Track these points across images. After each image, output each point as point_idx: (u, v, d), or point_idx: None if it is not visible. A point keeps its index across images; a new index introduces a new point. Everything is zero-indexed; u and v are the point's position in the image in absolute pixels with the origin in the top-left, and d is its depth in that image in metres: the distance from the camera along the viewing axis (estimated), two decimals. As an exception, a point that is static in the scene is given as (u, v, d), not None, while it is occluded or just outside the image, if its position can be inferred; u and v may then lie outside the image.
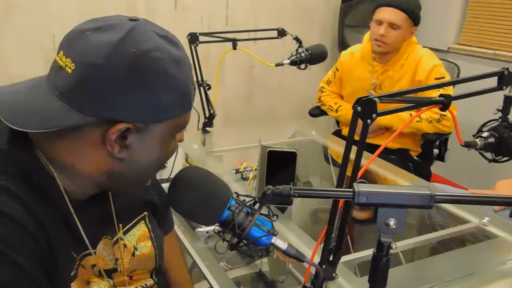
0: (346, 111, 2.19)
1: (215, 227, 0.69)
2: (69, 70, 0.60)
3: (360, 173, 0.85)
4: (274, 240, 0.69)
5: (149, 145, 0.66)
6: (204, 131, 1.64)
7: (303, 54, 1.77)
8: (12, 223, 0.58)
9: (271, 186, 0.68)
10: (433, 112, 1.94)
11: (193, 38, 1.56)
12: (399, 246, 1.11)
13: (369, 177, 1.51)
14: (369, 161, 0.81)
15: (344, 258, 1.03)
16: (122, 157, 0.65)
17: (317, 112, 2.41)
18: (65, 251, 0.67)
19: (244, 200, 0.70)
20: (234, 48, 1.65)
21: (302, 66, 1.79)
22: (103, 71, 0.60)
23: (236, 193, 0.71)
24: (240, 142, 1.72)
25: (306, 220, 1.65)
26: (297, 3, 3.03)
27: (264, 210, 0.69)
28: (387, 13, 1.96)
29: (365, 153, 0.79)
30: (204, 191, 0.68)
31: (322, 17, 3.17)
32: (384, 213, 0.65)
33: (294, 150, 1.17)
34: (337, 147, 1.82)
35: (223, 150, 1.62)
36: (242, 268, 1.34)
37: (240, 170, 1.42)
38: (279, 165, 1.19)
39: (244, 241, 0.68)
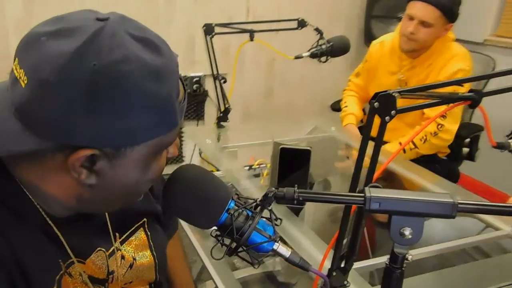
0: (345, 113, 2.05)
1: (212, 231, 0.64)
2: (23, 84, 0.51)
3: (375, 176, 0.79)
4: (276, 246, 0.64)
5: (124, 170, 0.56)
6: (219, 125, 1.59)
7: (324, 46, 1.69)
8: None
9: (273, 188, 0.62)
10: (431, 125, 1.79)
11: (209, 29, 1.51)
12: (419, 253, 1.04)
13: (389, 178, 1.43)
14: (384, 166, 0.75)
15: (358, 264, 0.96)
16: (91, 183, 0.56)
17: (339, 106, 2.31)
18: (45, 262, 0.62)
19: (245, 202, 0.65)
20: (252, 39, 1.59)
21: (323, 58, 1.71)
22: (56, 90, 0.49)
23: (237, 194, 0.66)
24: (256, 138, 1.67)
25: (322, 221, 1.59)
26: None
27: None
28: (419, 9, 1.78)
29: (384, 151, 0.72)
30: (200, 192, 0.63)
31: (348, 8, 3.06)
32: (399, 221, 0.59)
33: (308, 148, 1.10)
34: (358, 145, 1.74)
35: (238, 145, 1.57)
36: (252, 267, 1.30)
37: (253, 167, 1.37)
38: (292, 163, 1.13)
39: (244, 247, 0.62)
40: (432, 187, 1.34)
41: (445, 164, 2.00)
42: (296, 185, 0.61)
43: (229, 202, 0.63)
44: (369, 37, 2.97)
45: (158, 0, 2.43)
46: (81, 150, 0.52)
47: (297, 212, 1.19)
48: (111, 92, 0.50)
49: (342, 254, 0.80)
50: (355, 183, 0.82)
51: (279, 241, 0.64)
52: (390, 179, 1.49)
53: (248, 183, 1.25)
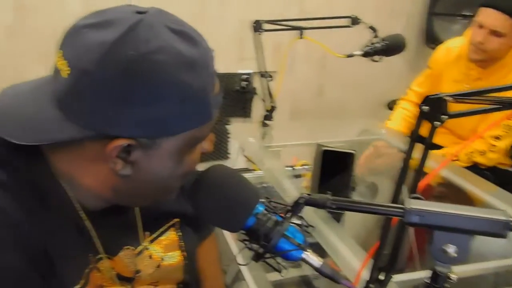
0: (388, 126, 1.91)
1: (239, 235, 0.61)
2: (65, 75, 0.53)
3: (421, 186, 0.74)
4: (306, 255, 0.60)
5: (158, 161, 0.57)
6: (264, 124, 1.57)
7: (377, 45, 1.62)
8: (4, 220, 0.54)
9: (305, 194, 0.59)
10: (482, 143, 1.66)
11: (257, 26, 1.49)
12: (474, 269, 0.96)
13: (438, 187, 1.34)
14: (428, 177, 0.69)
15: (399, 278, 0.90)
16: (126, 173, 0.57)
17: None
18: (75, 254, 0.63)
19: (275, 207, 0.62)
20: (301, 37, 1.55)
21: (376, 57, 1.64)
22: (95, 79, 0.51)
23: (267, 198, 0.63)
24: (302, 138, 1.63)
25: (365, 229, 1.52)
26: (378, -11, 2.82)
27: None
28: (490, 17, 1.60)
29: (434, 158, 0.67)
30: (227, 194, 0.61)
31: (408, 5, 2.92)
32: (442, 237, 0.54)
33: (351, 151, 1.05)
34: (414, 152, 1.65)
35: (282, 145, 1.54)
36: (291, 269, 1.26)
37: (295, 167, 1.33)
38: (335, 166, 1.09)
39: (271, 253, 0.60)
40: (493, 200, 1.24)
41: (504, 173, 1.85)
42: (329, 192, 0.57)
43: (258, 206, 0.60)
44: (430, 36, 2.82)
45: (208, -3, 2.45)
46: (117, 140, 0.53)
47: (338, 217, 1.14)
48: (146, 81, 0.52)
49: (381, 266, 0.75)
50: (398, 192, 0.77)
51: (309, 250, 0.60)
52: (450, 188, 1.40)
53: (289, 184, 1.22)
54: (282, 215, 0.61)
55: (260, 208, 0.61)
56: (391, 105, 2.66)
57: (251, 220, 0.60)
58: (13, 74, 2.22)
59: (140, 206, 0.72)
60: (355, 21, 1.67)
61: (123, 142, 0.54)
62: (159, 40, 0.53)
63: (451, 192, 1.36)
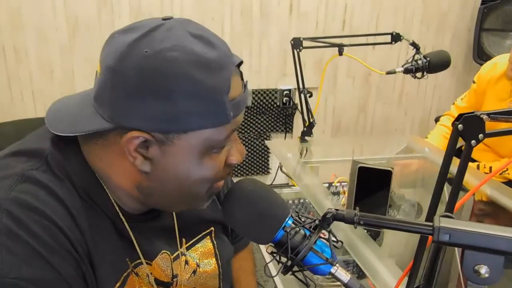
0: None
1: (267, 247, 0.63)
2: (98, 75, 0.59)
3: (457, 206, 0.72)
4: (334, 270, 0.61)
5: (174, 159, 0.59)
6: (303, 140, 1.57)
7: (420, 62, 1.60)
8: (49, 222, 0.58)
9: (333, 209, 0.60)
10: None
11: (297, 43, 1.51)
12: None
13: (479, 205, 1.29)
14: (466, 197, 0.68)
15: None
16: (146, 170, 0.61)
17: None
18: (114, 258, 0.66)
19: (304, 221, 0.63)
20: (340, 54, 1.55)
21: (418, 74, 1.62)
22: (115, 74, 0.56)
23: (296, 212, 0.64)
24: (341, 154, 1.62)
25: (404, 247, 1.48)
26: (428, 5, 2.77)
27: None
28: None
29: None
30: (257, 207, 0.62)
31: (456, 20, 2.86)
32: (473, 257, 0.53)
33: (389, 168, 1.04)
34: (453, 168, 1.60)
35: (320, 161, 1.54)
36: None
37: (333, 184, 1.33)
38: (372, 183, 1.08)
39: (299, 267, 0.61)
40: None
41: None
42: (357, 208, 0.58)
43: (287, 219, 0.62)
44: (479, 52, 2.73)
45: (253, 14, 2.51)
46: (132, 132, 0.57)
47: (375, 235, 1.13)
48: (156, 75, 0.55)
49: (417, 285, 0.74)
50: (433, 209, 0.76)
51: (338, 265, 0.61)
52: (491, 206, 1.34)
53: (326, 201, 1.22)
54: (310, 229, 0.62)
55: (289, 222, 0.62)
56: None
57: (280, 233, 0.61)
58: (66, 87, 2.38)
59: (172, 211, 0.74)
60: (396, 37, 1.66)
61: (137, 134, 0.57)
62: (174, 40, 0.56)
63: (492, 210, 1.31)
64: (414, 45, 1.63)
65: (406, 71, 1.59)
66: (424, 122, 2.98)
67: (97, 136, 0.61)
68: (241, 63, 0.63)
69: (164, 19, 0.60)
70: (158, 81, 0.55)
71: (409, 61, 1.60)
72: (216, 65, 0.57)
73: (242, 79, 0.64)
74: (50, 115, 0.65)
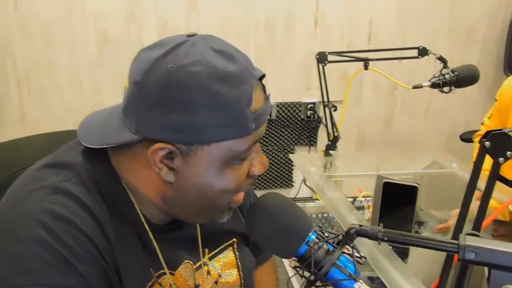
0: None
1: (291, 261, 0.63)
2: (126, 89, 0.62)
3: (485, 224, 0.71)
4: (358, 286, 0.60)
5: (197, 170, 0.61)
6: (327, 154, 1.57)
7: (447, 76, 1.57)
8: (79, 232, 0.60)
9: (357, 225, 0.60)
10: None
11: (322, 58, 1.52)
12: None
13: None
14: (493, 215, 0.67)
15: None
16: (170, 180, 0.62)
17: (469, 136, 2.03)
18: (139, 268, 0.67)
19: (327, 236, 0.63)
20: (366, 68, 1.55)
21: (446, 89, 1.59)
22: (140, 88, 0.59)
23: (320, 227, 0.65)
24: (366, 168, 1.60)
25: (433, 266, 1.45)
26: (455, 18, 2.73)
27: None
28: None
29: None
30: (281, 221, 0.63)
31: (485, 33, 2.81)
32: (501, 277, 0.52)
33: (414, 184, 1.03)
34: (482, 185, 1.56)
35: (344, 175, 1.53)
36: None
37: (357, 199, 1.32)
38: (397, 199, 1.07)
39: (322, 282, 0.61)
40: None
41: None
42: (381, 224, 0.58)
43: (310, 234, 0.62)
44: (510, 64, 2.67)
45: (277, 28, 2.53)
46: (157, 144, 0.59)
47: (403, 253, 1.11)
48: (179, 89, 0.57)
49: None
50: (460, 227, 0.75)
51: (361, 281, 0.61)
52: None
53: (350, 216, 1.21)
54: (334, 245, 0.62)
55: (312, 237, 0.62)
56: (464, 137, 2.53)
57: (303, 248, 0.61)
58: (95, 101, 2.45)
59: (194, 223, 0.75)
60: (423, 52, 1.64)
61: (162, 146, 0.59)
62: (196, 55, 0.58)
63: (508, 230, 1.27)
64: (442, 59, 1.61)
65: (434, 85, 1.57)
66: (452, 137, 2.92)
67: (125, 148, 0.64)
68: (263, 76, 0.65)
69: (189, 35, 0.62)
70: (181, 94, 0.57)
71: (437, 75, 1.58)
72: (237, 79, 0.59)
73: (264, 91, 0.65)
74: (81, 128, 0.68)
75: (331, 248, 0.62)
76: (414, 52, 1.66)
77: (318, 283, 0.61)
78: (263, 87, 0.65)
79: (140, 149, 0.62)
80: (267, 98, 0.65)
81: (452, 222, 1.28)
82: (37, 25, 2.31)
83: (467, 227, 0.76)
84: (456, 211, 1.26)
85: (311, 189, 1.47)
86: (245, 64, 0.61)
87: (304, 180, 1.47)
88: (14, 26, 2.30)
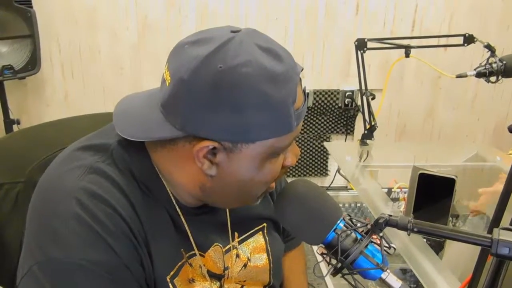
0: None
1: (319, 248, 0.63)
2: (168, 84, 0.61)
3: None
4: (385, 275, 0.60)
5: (239, 165, 0.62)
6: (363, 143, 1.54)
7: (494, 65, 1.50)
8: (112, 211, 0.61)
9: (386, 214, 0.59)
10: None
11: (361, 45, 1.49)
12: None
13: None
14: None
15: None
16: (212, 174, 0.64)
17: None
18: (169, 247, 0.69)
19: (356, 225, 0.62)
20: (407, 56, 1.51)
21: (492, 78, 1.52)
22: (188, 87, 0.58)
23: (349, 215, 0.64)
24: (403, 159, 1.56)
25: (471, 259, 1.40)
26: (508, 4, 2.57)
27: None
28: None
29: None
30: (309, 208, 0.63)
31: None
32: (537, 275, 0.50)
33: (452, 176, 0.99)
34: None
35: (380, 165, 1.49)
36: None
37: (392, 190, 1.29)
38: (433, 191, 1.04)
39: (349, 270, 0.60)
40: None
41: None
42: (412, 215, 0.56)
43: (338, 222, 0.62)
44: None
45: (319, 15, 2.49)
46: (203, 141, 0.60)
47: (437, 246, 1.08)
48: (231, 90, 0.57)
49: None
50: (497, 221, 0.72)
51: (388, 271, 0.60)
52: None
53: (384, 206, 1.19)
54: (362, 233, 0.61)
55: (341, 225, 0.62)
56: (512, 129, 2.41)
57: (331, 235, 0.61)
58: (134, 85, 2.51)
59: (226, 208, 0.77)
60: (469, 39, 1.57)
61: (208, 144, 0.60)
62: (246, 55, 0.58)
63: None
64: (489, 47, 1.54)
65: (479, 74, 1.50)
66: (499, 129, 2.79)
67: (166, 141, 0.65)
68: (301, 70, 0.65)
69: (233, 31, 0.61)
70: (232, 95, 0.57)
71: (483, 64, 1.51)
72: (284, 78, 0.59)
73: (301, 85, 0.65)
74: (118, 116, 0.68)
75: (359, 237, 0.61)
76: (460, 40, 1.60)
77: (345, 271, 0.61)
78: (300, 81, 0.65)
79: (183, 143, 0.63)
80: (304, 91, 0.65)
81: (481, 201, 1.22)
82: (81, 10, 2.38)
83: None
84: (483, 190, 1.21)
85: (345, 178, 1.45)
86: (290, 63, 0.62)
87: (339, 169, 1.45)
88: (59, 12, 2.38)
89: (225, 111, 0.57)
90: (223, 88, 0.57)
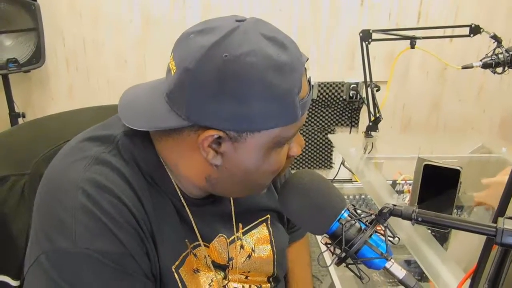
0: None
1: (322, 238, 0.63)
2: (173, 73, 0.61)
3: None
4: (389, 265, 0.60)
5: (244, 154, 0.62)
6: (368, 135, 1.54)
7: (501, 56, 1.49)
8: (118, 201, 0.62)
9: (390, 204, 0.59)
10: None
11: (365, 36, 1.48)
12: None
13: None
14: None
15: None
16: (217, 163, 0.64)
17: None
18: (174, 238, 0.69)
19: (360, 215, 0.62)
20: (412, 47, 1.49)
21: (499, 69, 1.51)
22: (194, 76, 0.58)
23: (353, 205, 0.64)
24: (408, 151, 1.56)
25: (477, 250, 1.40)
26: (516, -4, 2.56)
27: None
28: None
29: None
30: (313, 198, 0.63)
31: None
32: (542, 264, 0.49)
33: (457, 167, 0.99)
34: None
35: (384, 157, 1.49)
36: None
37: (397, 182, 1.29)
38: (438, 183, 1.03)
39: (353, 259, 0.60)
40: None
41: None
42: (416, 205, 0.56)
43: (342, 212, 0.62)
44: None
45: (322, 6, 2.47)
46: (208, 131, 0.60)
47: (442, 237, 1.08)
48: (236, 80, 0.57)
49: (480, 290, 0.70)
50: (502, 210, 0.72)
51: (393, 260, 0.60)
52: None
53: (389, 198, 1.18)
54: (366, 223, 0.61)
55: (345, 215, 0.62)
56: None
57: (335, 225, 0.61)
58: (138, 77, 2.52)
59: (231, 197, 0.77)
60: (475, 30, 1.55)
61: (213, 133, 0.60)
62: (251, 44, 0.58)
63: None
64: (495, 37, 1.52)
65: (485, 65, 1.49)
66: (505, 121, 2.77)
67: (171, 130, 0.65)
68: (306, 60, 0.65)
69: (238, 20, 0.61)
70: (237, 85, 0.57)
71: (489, 55, 1.50)
72: (289, 68, 0.59)
73: (306, 75, 0.65)
74: (123, 106, 0.68)
75: (363, 227, 0.61)
76: (466, 31, 1.58)
77: (349, 261, 0.61)
78: (305, 71, 0.65)
79: (188, 133, 0.63)
80: (309, 81, 0.65)
81: (485, 193, 1.22)
82: (85, 3, 2.39)
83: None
84: (487, 180, 1.20)
85: (349, 170, 1.45)
86: (295, 52, 0.62)
87: (343, 161, 1.45)
88: (63, 5, 2.38)
89: (230, 100, 0.57)
90: (228, 78, 0.57)
